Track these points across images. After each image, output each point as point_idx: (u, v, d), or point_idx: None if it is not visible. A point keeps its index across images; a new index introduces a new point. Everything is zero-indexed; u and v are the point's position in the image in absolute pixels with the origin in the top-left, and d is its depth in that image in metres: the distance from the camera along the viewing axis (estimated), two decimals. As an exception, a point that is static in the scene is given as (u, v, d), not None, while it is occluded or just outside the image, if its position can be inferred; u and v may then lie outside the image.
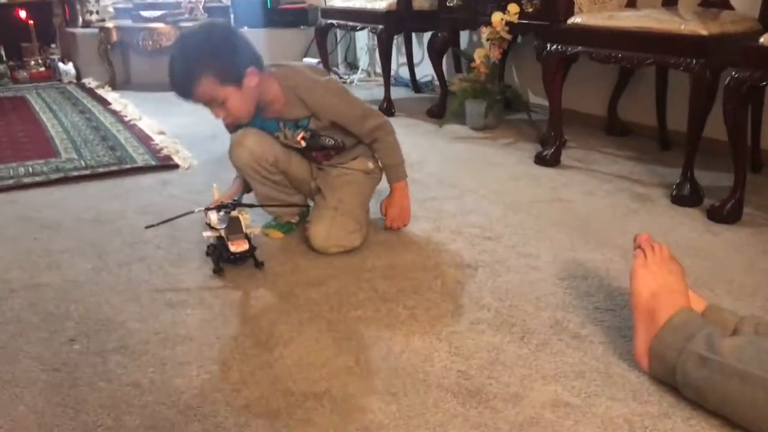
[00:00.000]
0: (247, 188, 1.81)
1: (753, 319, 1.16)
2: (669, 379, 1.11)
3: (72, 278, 1.57)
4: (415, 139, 2.82)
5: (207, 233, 1.62)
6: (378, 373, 1.17)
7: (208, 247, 1.64)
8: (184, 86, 1.56)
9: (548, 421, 1.05)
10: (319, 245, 1.68)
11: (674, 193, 2.07)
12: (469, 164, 2.50)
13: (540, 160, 2.48)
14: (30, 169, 2.41)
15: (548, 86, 2.43)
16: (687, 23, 1.98)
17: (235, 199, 1.68)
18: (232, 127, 1.78)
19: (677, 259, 1.25)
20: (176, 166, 2.47)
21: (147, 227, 1.65)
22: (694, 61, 1.93)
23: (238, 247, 1.54)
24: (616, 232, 1.82)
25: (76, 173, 2.36)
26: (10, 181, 2.28)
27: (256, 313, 1.40)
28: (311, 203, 1.89)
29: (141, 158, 2.55)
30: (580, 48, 2.25)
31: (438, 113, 3.24)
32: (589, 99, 3.02)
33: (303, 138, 1.75)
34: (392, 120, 3.21)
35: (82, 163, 2.49)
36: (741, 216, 1.90)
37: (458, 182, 2.27)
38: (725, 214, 1.88)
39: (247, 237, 1.57)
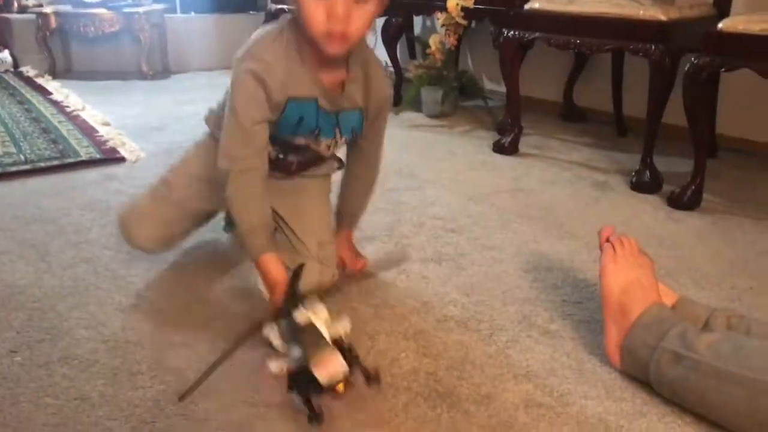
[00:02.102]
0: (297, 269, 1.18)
1: (724, 311, 1.14)
2: (642, 377, 1.09)
3: (12, 283, 1.47)
4: (371, 128, 2.76)
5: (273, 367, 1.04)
6: (344, 378, 1.12)
7: (290, 377, 1.02)
8: None
9: (522, 424, 1.01)
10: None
11: (634, 180, 2.06)
12: (427, 153, 2.45)
13: (498, 148, 2.44)
14: (-36, 165, 2.28)
15: (506, 73, 2.40)
16: (646, 9, 1.96)
17: (294, 288, 1.11)
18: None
19: (646, 252, 1.22)
20: (123, 160, 2.36)
21: (180, 399, 1.05)
22: (653, 47, 1.92)
23: (327, 370, 0.98)
24: (578, 221, 1.80)
25: (14, 168, 2.23)
26: (-57, 178, 2.14)
27: (212, 315, 1.33)
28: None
29: (85, 151, 2.43)
30: (537, 34, 2.22)
31: (393, 101, 3.18)
32: (545, 85, 3.01)
33: (339, 144, 1.37)
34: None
35: (22, 157, 2.36)
36: (701, 202, 1.90)
37: (417, 172, 2.22)
38: (686, 200, 1.88)
39: (338, 345, 1.02)
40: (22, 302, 1.38)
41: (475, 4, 2.63)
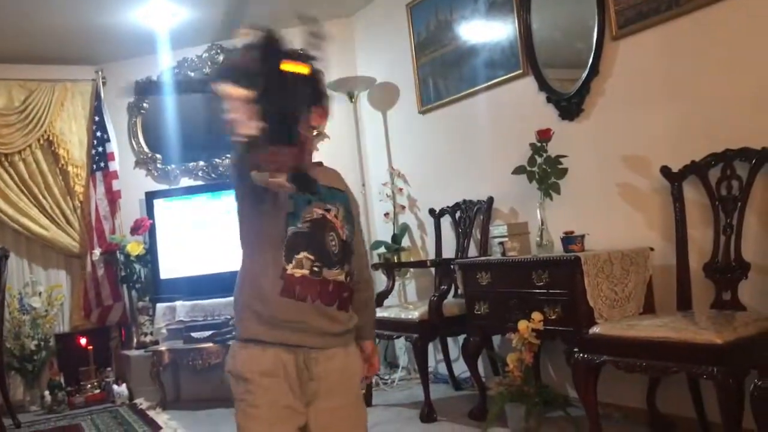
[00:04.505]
0: None
1: None
2: None
3: None
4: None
5: None
6: None
7: None
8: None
9: None
10: None
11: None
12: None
13: (586, 467, 2.46)
14: None
15: (581, 392, 2.51)
16: (701, 332, 2.10)
17: None
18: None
19: None
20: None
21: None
22: (714, 370, 2.01)
23: None
24: None
25: None
26: None
27: None
28: None
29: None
30: (605, 357, 2.36)
31: (479, 415, 3.28)
32: (627, 391, 3.05)
33: (341, 219, 1.56)
34: (434, 427, 3.28)
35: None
36: None
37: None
38: None
39: None
40: None
41: (544, 325, 2.82)
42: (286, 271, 1.45)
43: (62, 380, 4.67)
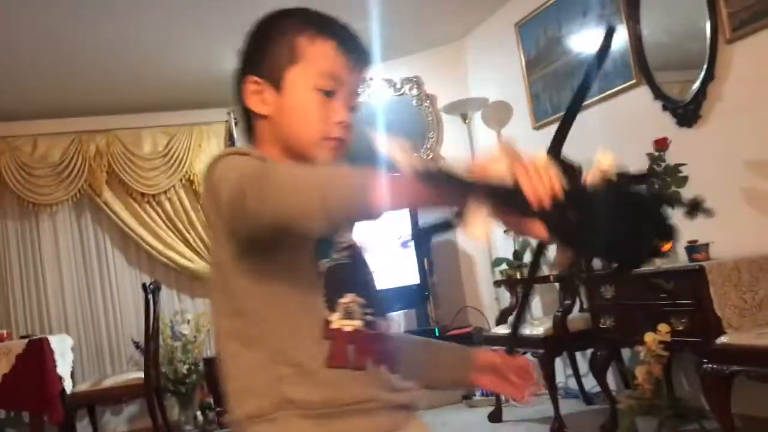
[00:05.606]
0: None
1: None
2: None
3: None
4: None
5: None
6: None
7: None
8: (370, 56, 1.09)
9: None
10: None
11: None
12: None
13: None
14: None
15: (712, 404, 2.46)
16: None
17: None
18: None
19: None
20: None
21: None
22: None
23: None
24: None
25: None
26: None
27: None
28: None
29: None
30: (735, 367, 2.32)
31: (611, 429, 3.26)
32: (764, 402, 2.94)
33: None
34: (565, 445, 3.30)
35: None
36: None
37: None
38: None
39: None
40: None
41: (672, 336, 2.79)
42: (331, 325, 0.93)
43: (212, 401, 5.04)
